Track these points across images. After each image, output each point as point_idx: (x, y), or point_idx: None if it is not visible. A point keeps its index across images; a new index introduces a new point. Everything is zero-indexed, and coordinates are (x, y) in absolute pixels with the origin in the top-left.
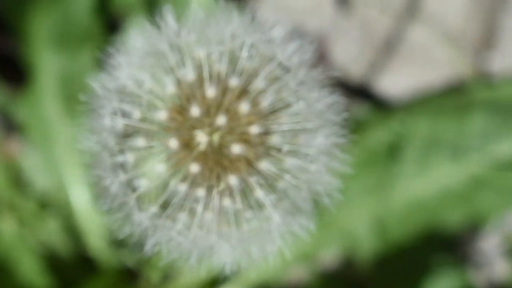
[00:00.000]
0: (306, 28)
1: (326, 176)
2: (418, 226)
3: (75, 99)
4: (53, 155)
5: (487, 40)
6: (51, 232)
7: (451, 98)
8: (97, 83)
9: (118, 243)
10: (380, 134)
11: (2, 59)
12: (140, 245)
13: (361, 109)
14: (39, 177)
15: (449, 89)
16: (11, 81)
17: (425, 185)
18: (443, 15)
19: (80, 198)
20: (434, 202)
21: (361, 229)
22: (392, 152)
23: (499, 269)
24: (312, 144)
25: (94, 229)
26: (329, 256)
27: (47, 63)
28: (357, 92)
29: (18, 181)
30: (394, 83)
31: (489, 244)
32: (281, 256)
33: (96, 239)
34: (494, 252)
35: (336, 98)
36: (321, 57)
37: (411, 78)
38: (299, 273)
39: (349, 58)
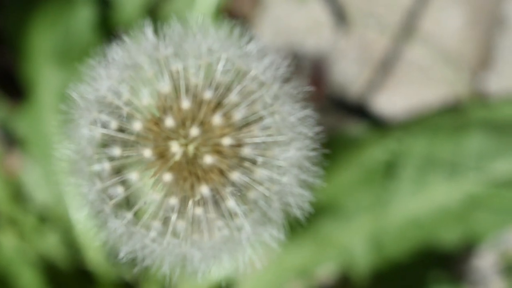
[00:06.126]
0: (305, 48)
1: (297, 188)
2: (414, 244)
3: None
4: (53, 170)
5: (484, 60)
6: (50, 246)
7: (448, 117)
8: (77, 94)
9: (117, 257)
10: (377, 153)
11: (2, 74)
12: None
13: (358, 128)
14: (39, 191)
15: (446, 109)
16: (11, 96)
17: (422, 203)
18: (440, 35)
19: (79, 213)
20: (430, 220)
21: (357, 245)
22: (389, 171)
23: (494, 287)
24: (283, 157)
25: (93, 243)
26: (326, 272)
27: (48, 78)
28: (355, 110)
29: (18, 195)
30: (392, 102)
31: (485, 262)
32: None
33: (94, 252)
34: (490, 270)
35: (309, 113)
36: (319, 77)
37: (408, 98)
38: None
39: (347, 78)
